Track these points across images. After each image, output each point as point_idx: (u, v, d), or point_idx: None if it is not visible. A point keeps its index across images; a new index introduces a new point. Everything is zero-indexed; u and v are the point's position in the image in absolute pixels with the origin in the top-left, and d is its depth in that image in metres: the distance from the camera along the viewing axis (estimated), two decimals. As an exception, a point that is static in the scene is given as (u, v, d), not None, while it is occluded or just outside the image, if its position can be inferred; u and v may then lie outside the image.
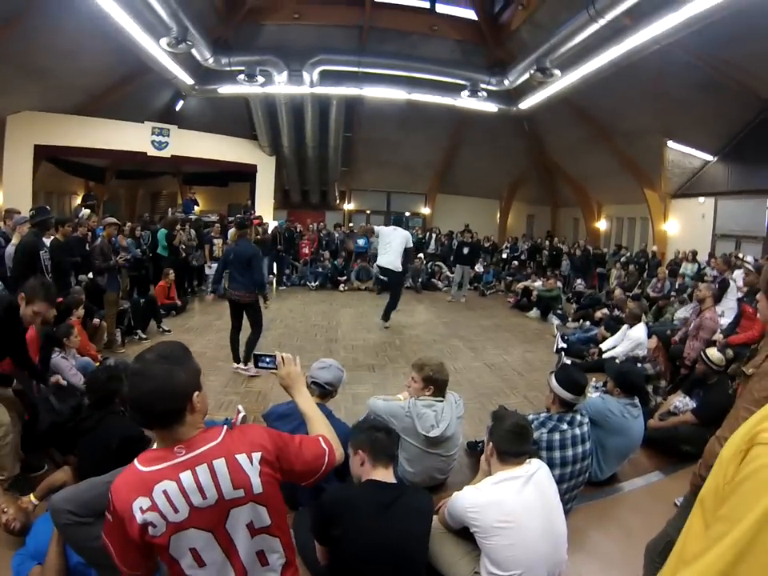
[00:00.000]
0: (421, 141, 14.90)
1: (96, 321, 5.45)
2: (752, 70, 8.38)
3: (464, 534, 2.24)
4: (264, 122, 12.73)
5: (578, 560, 2.49)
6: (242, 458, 1.31)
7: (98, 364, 4.45)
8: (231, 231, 9.68)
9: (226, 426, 1.39)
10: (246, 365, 5.25)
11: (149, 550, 1.27)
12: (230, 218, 11.28)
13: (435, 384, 3.08)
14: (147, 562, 1.31)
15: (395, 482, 2.11)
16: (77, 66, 9.52)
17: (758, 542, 0.54)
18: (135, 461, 1.30)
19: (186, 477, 1.25)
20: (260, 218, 11.54)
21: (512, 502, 2.03)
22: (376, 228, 7.71)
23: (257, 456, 1.33)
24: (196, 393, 1.32)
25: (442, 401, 3.07)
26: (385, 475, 2.07)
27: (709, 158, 11.49)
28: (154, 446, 1.40)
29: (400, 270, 7.40)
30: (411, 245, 7.67)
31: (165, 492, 1.23)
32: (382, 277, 8.54)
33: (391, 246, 7.27)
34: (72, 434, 2.77)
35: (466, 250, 10.63)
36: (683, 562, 0.65)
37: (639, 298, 7.43)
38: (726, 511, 0.60)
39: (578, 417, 2.92)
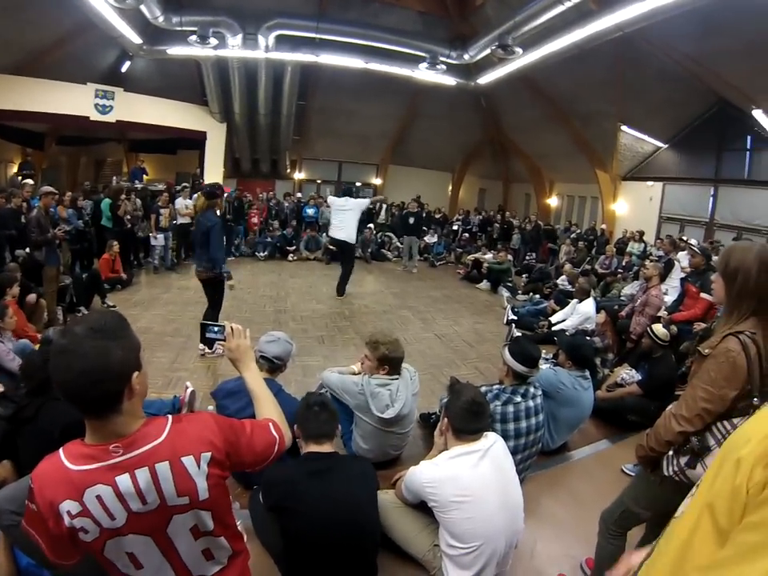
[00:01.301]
0: (376, 111, 14.70)
1: (31, 297, 4.98)
2: (709, 65, 8.64)
3: (421, 508, 2.26)
4: (215, 87, 12.14)
5: (532, 526, 2.57)
6: (188, 461, 1.15)
7: (38, 346, 4.01)
8: (180, 201, 9.28)
9: (170, 418, 1.21)
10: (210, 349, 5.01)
11: (80, 545, 1.13)
12: (177, 187, 10.75)
13: (390, 363, 3.03)
14: (78, 552, 1.17)
15: (330, 451, 2.12)
16: (14, 20, 8.66)
17: None
18: (61, 452, 1.11)
19: (123, 481, 1.09)
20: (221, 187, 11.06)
21: (469, 476, 2.04)
22: (329, 199, 7.64)
23: (206, 457, 1.18)
24: (135, 373, 1.10)
25: (397, 378, 3.04)
26: (319, 448, 2.09)
27: (660, 144, 11.95)
28: None
29: (354, 242, 7.43)
30: (365, 205, 7.69)
31: (99, 497, 1.08)
32: (331, 247, 8.54)
33: (345, 217, 7.20)
34: (8, 426, 2.57)
35: (412, 221, 10.69)
36: (698, 568, 0.62)
37: (588, 273, 7.67)
38: (758, 519, 0.57)
39: (532, 389, 2.98)
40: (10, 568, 1.92)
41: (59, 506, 1.06)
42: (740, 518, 0.60)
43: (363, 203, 7.48)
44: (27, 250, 5.83)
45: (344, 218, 7.21)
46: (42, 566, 1.88)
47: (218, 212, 5.09)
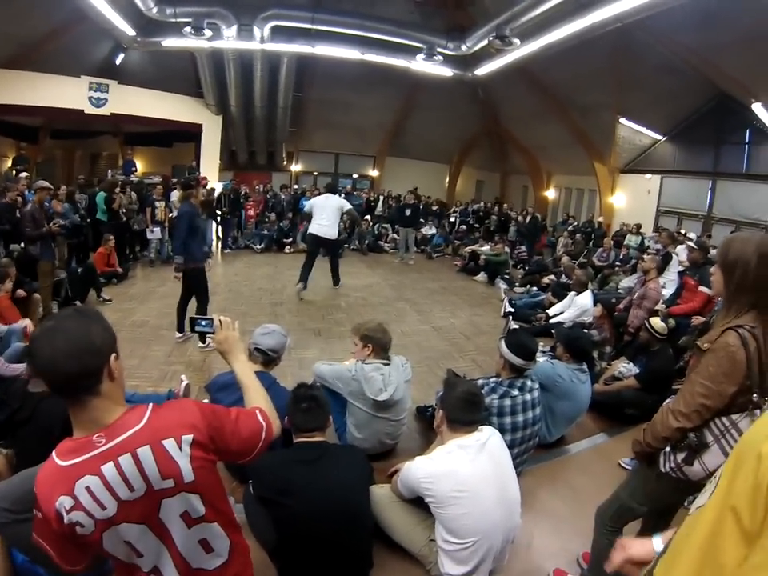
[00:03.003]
0: (372, 103, 14.60)
1: (19, 292, 4.89)
2: (709, 57, 8.56)
3: (417, 503, 2.25)
4: (210, 79, 12.02)
5: (530, 520, 2.56)
6: (169, 443, 1.17)
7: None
8: (175, 193, 9.22)
9: (151, 405, 1.23)
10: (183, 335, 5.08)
11: (84, 544, 1.15)
12: (174, 180, 10.69)
13: (373, 342, 3.06)
14: (87, 555, 1.20)
15: (321, 440, 2.15)
16: (5, 13, 8.54)
17: None
18: (53, 452, 1.15)
19: (108, 469, 1.11)
20: (204, 177, 10.99)
21: (466, 471, 2.04)
22: (307, 203, 7.77)
23: (187, 439, 1.18)
24: (113, 355, 1.16)
25: (388, 364, 3.06)
26: (309, 438, 2.13)
27: (658, 137, 11.89)
28: None
29: (335, 237, 7.42)
30: (347, 207, 7.55)
31: (88, 488, 1.10)
32: (303, 244, 8.63)
33: (326, 214, 7.19)
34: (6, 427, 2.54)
35: (408, 212, 10.69)
36: (729, 570, 0.61)
37: (586, 266, 7.66)
38: None
39: (529, 382, 2.97)
40: (7, 566, 1.91)
41: (56, 503, 1.08)
42: (764, 515, 0.59)
43: (343, 205, 7.44)
44: (22, 244, 5.79)
45: (324, 216, 7.19)
46: (37, 563, 1.87)
47: (194, 203, 5.03)
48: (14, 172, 9.74)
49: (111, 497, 1.12)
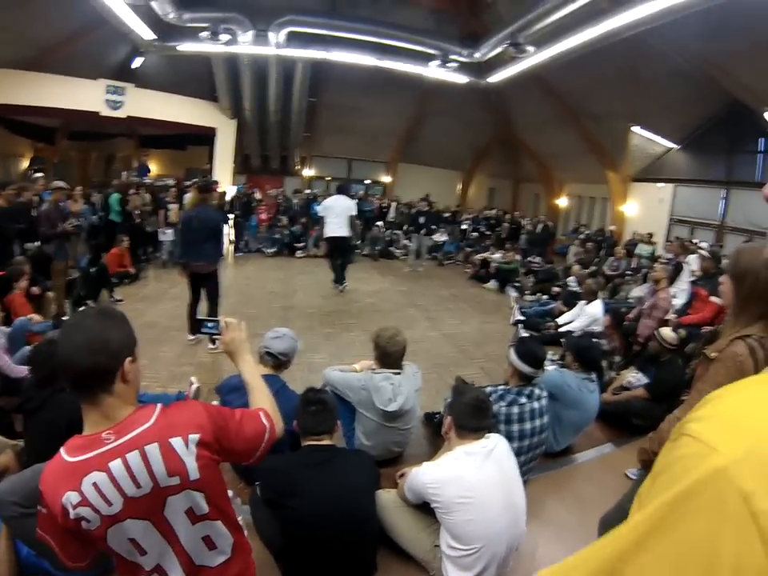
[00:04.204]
0: (386, 109, 14.65)
1: (34, 289, 4.98)
2: (722, 65, 8.51)
3: (423, 508, 2.25)
4: (225, 84, 12.18)
5: (535, 529, 2.55)
6: (176, 441, 1.20)
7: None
8: (189, 196, 9.31)
9: (160, 405, 1.26)
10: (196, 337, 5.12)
11: (88, 540, 1.18)
12: (187, 183, 10.80)
13: (378, 350, 3.07)
14: (90, 552, 1.23)
15: (329, 443, 2.16)
16: (25, 16, 8.72)
17: (656, 535, 0.50)
18: (61, 449, 1.18)
19: (115, 466, 1.14)
20: (216, 182, 11.11)
21: (472, 477, 2.04)
22: (319, 207, 7.90)
23: (194, 438, 1.22)
24: (129, 359, 1.20)
25: (399, 373, 3.04)
26: (317, 442, 2.14)
27: (671, 145, 11.80)
28: None
29: (347, 234, 7.53)
30: (354, 213, 7.73)
31: (95, 485, 1.13)
32: (315, 249, 8.98)
33: (337, 215, 7.38)
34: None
35: (422, 219, 10.71)
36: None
37: (596, 274, 7.61)
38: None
39: (537, 390, 2.96)
40: (12, 559, 1.94)
41: (62, 498, 1.11)
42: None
43: (351, 208, 7.62)
44: (38, 243, 5.88)
45: (335, 217, 7.37)
46: (42, 557, 1.90)
47: (211, 206, 5.13)
48: (31, 171, 9.88)
49: (118, 493, 1.14)
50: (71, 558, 1.20)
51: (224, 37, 9.08)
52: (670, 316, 5.19)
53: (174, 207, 9.22)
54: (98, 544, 1.20)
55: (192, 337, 5.15)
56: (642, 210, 12.57)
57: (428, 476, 2.11)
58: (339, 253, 7.85)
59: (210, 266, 4.95)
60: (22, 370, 3.46)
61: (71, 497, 1.11)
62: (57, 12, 9.11)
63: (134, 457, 1.15)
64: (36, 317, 4.39)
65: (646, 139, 11.64)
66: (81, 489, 1.12)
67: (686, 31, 7.60)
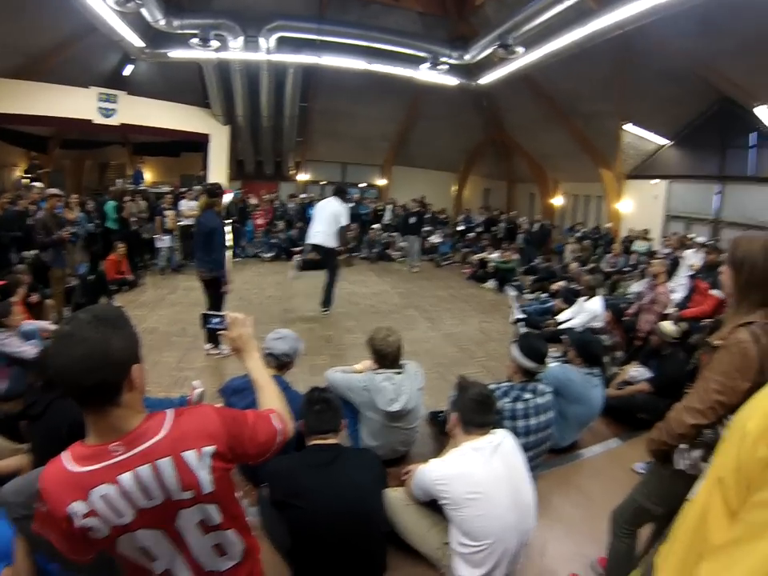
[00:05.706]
0: (378, 113, 14.67)
1: (33, 297, 4.98)
2: (711, 63, 8.57)
3: (431, 506, 2.25)
4: (217, 90, 12.14)
5: (542, 525, 2.55)
6: (190, 455, 1.14)
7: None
8: (184, 202, 9.33)
9: (171, 412, 1.19)
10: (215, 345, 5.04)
11: (93, 541, 1.13)
12: (182, 189, 10.79)
13: (373, 352, 3.07)
14: (94, 550, 1.17)
15: (334, 442, 2.16)
16: (15, 24, 8.68)
17: None
18: (63, 456, 1.11)
19: (126, 479, 1.09)
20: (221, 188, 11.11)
21: (480, 473, 2.04)
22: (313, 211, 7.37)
23: (208, 451, 1.16)
24: (135, 366, 1.10)
25: (400, 373, 3.04)
26: (323, 441, 2.14)
27: (663, 141, 11.86)
28: None
29: (332, 246, 6.53)
30: (344, 223, 6.59)
31: (104, 497, 1.08)
32: (309, 256, 7.05)
33: (320, 221, 6.56)
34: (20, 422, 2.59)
35: (412, 220, 10.77)
36: (712, 547, 0.61)
37: (594, 271, 7.65)
38: (766, 497, 0.56)
39: (541, 386, 2.97)
40: (29, 563, 1.89)
41: (68, 508, 1.06)
42: (746, 492, 0.59)
43: (342, 214, 6.58)
44: (35, 251, 5.87)
45: (317, 221, 6.62)
46: (51, 560, 1.86)
47: (218, 212, 5.04)
48: (23, 180, 9.84)
49: (129, 505, 1.10)
50: (74, 553, 1.15)
51: (214, 43, 9.06)
52: (671, 310, 5.22)
53: (170, 214, 9.20)
54: (105, 548, 1.16)
55: (208, 345, 5.06)
56: (637, 206, 12.62)
57: (435, 473, 2.11)
58: (321, 265, 6.81)
59: (206, 274, 4.87)
60: (23, 350, 3.52)
61: (77, 507, 1.06)
62: (47, 20, 9.05)
63: (145, 471, 1.10)
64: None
65: (638, 137, 11.69)
66: (89, 500, 1.07)
67: (674, 30, 7.66)
